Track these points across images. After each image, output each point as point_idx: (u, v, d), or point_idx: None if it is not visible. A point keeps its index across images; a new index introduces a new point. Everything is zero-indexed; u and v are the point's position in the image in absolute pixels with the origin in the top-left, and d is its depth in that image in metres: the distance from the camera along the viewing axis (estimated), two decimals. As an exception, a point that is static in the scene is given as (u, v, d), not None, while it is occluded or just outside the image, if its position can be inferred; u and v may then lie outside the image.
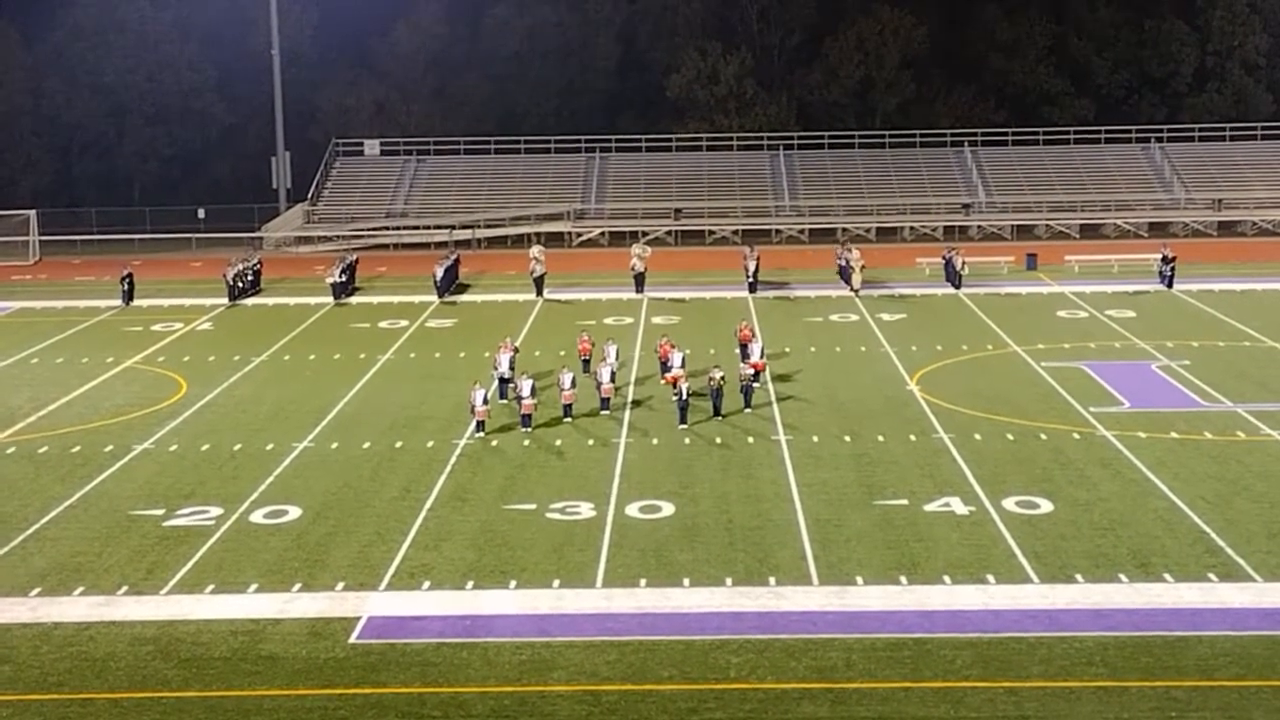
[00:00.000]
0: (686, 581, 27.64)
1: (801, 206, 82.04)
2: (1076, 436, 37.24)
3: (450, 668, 24.06)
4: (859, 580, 27.56)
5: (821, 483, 33.62)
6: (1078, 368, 45.06)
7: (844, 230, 78.37)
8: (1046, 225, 79.42)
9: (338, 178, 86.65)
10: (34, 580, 28.42)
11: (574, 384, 39.79)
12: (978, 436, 37.32)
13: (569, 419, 39.28)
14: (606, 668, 23.93)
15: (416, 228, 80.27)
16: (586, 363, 44.49)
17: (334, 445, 37.79)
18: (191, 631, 25.72)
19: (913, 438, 37.36)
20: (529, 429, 38.43)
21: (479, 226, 79.38)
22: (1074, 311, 55.12)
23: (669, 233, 79.83)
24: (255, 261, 65.27)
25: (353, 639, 25.35)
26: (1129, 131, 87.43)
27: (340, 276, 61.38)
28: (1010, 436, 37.32)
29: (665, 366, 42.46)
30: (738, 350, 45.18)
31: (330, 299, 60.26)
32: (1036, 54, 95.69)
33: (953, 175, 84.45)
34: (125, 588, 27.92)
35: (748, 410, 40.01)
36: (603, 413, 40.03)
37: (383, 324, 55.10)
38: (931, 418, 39.36)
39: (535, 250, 62.15)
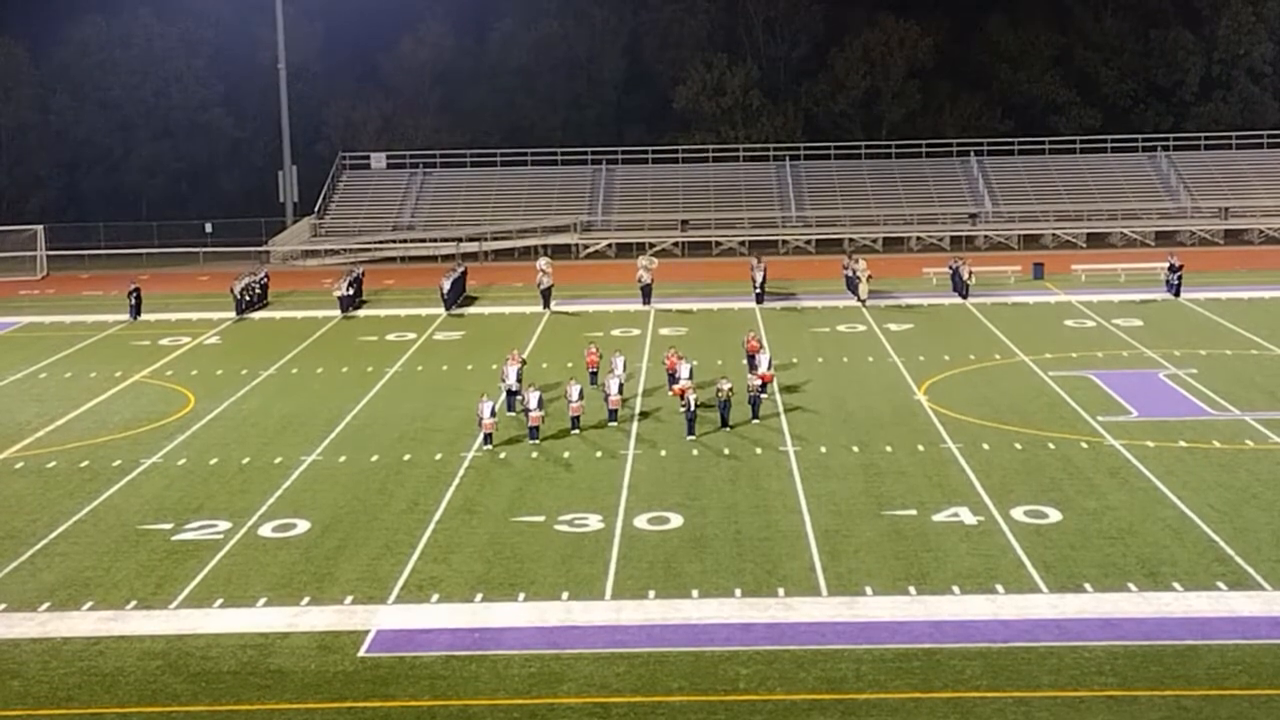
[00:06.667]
0: (695, 593, 27.61)
1: (808, 217, 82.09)
2: (1085, 446, 37.19)
3: (459, 680, 24.04)
4: (868, 591, 27.52)
5: (830, 493, 33.60)
6: (1085, 377, 45.01)
7: (850, 241, 78.45)
8: (1053, 234, 79.42)
9: (344, 191, 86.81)
10: (43, 595, 28.44)
11: (582, 396, 39.78)
12: (986, 446, 37.28)
13: (577, 431, 39.28)
14: (616, 680, 23.91)
15: (423, 240, 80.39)
16: (594, 374, 44.51)
17: (342, 458, 37.81)
18: (200, 645, 25.72)
19: (921, 448, 37.33)
20: (537, 441, 38.43)
21: (486, 239, 79.47)
22: (1081, 321, 55.08)
23: (676, 244, 79.93)
24: (262, 275, 65.41)
25: (362, 652, 25.33)
26: (1135, 140, 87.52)
27: (347, 289, 61.46)
28: (1018, 446, 37.29)
29: (673, 378, 42.45)
30: (745, 361, 45.15)
31: (337, 312, 60.34)
32: (1042, 64, 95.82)
33: (959, 185, 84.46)
34: (134, 602, 27.93)
35: (755, 421, 40.00)
36: (610, 424, 40.03)
37: (390, 337, 55.16)
38: (939, 428, 39.33)
39: (542, 262, 62.18)
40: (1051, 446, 37.18)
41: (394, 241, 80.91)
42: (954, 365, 47.40)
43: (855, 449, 37.34)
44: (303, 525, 32.31)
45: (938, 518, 31.68)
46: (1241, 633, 25.21)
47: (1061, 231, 79.38)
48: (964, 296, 60.11)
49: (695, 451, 37.44)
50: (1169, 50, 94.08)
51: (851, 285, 61.14)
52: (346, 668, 24.68)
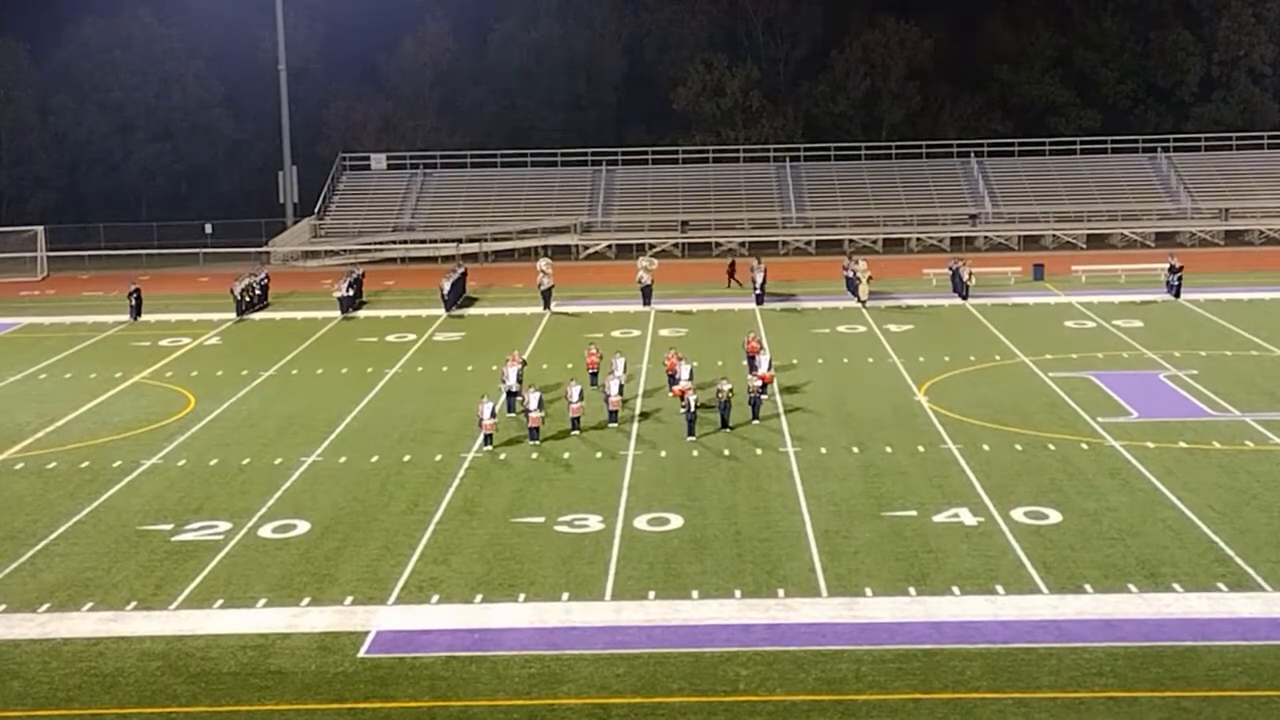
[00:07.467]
0: (695, 594, 27.62)
1: (808, 218, 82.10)
2: (1085, 447, 37.19)
3: (459, 681, 24.05)
4: (868, 592, 27.52)
5: (830, 494, 33.60)
6: (1085, 378, 45.02)
7: (850, 242, 78.46)
8: (1053, 235, 79.41)
9: (345, 192, 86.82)
10: (43, 596, 28.44)
11: (582, 397, 39.78)
12: (986, 447, 37.28)
13: (577, 432, 39.28)
14: (616, 681, 23.92)
15: (423, 241, 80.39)
16: (594, 375, 44.52)
17: (342, 459, 37.82)
18: (200, 646, 25.73)
19: (921, 449, 37.33)
20: (537, 442, 38.43)
21: (486, 240, 79.48)
22: (1081, 322, 55.08)
23: (676, 245, 79.93)
24: (262, 276, 65.40)
25: (362, 653, 25.33)
26: (1135, 141, 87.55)
27: (347, 290, 61.47)
28: (1018, 447, 37.29)
29: (673, 379, 42.46)
30: (745, 362, 45.16)
31: (337, 313, 60.35)
32: (1042, 65, 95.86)
33: (959, 186, 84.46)
34: (134, 603, 27.93)
35: (755, 422, 40.00)
36: (610, 425, 40.03)
37: (390, 338, 55.16)
38: (939, 428, 39.33)
39: (542, 263, 62.21)
40: (1051, 447, 37.18)
41: (394, 242, 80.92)
42: (954, 366, 47.40)
43: (855, 450, 37.34)
44: (303, 526, 32.31)
45: (938, 518, 31.68)
46: (1242, 634, 25.22)
47: (1062, 232, 79.38)
48: (964, 297, 60.11)
49: (695, 452, 37.45)
50: (1169, 51, 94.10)
51: (851, 286, 61.16)
52: (346, 668, 24.68)
